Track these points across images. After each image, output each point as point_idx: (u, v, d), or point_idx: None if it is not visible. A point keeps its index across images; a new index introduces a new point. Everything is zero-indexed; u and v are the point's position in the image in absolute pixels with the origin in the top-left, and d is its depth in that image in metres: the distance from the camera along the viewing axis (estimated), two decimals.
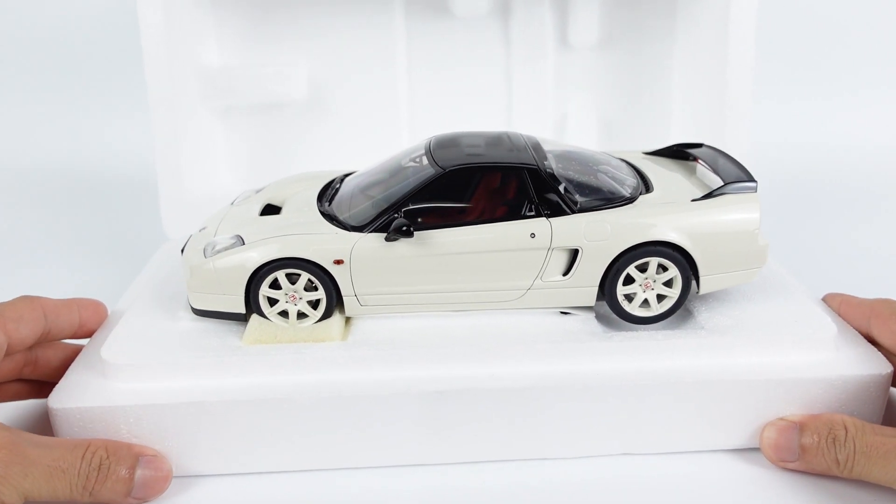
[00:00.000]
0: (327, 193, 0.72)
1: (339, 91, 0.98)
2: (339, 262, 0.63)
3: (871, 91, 1.36)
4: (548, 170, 0.65)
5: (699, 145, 0.77)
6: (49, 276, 1.01)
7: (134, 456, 0.57)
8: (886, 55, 1.37)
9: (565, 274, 0.65)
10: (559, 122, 0.99)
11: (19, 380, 0.67)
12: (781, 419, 0.61)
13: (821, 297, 0.73)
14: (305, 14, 0.95)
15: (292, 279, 0.64)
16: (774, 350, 0.63)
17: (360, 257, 0.63)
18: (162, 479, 0.58)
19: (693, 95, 0.94)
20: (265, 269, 0.63)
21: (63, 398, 0.59)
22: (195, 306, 0.66)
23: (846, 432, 0.57)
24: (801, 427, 0.59)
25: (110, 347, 0.62)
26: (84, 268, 1.02)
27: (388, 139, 0.99)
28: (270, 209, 0.72)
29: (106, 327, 0.69)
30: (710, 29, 0.90)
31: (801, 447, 0.58)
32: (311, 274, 0.63)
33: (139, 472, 0.57)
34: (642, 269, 0.65)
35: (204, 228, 0.71)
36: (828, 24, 1.36)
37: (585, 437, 0.62)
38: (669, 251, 0.64)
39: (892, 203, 1.20)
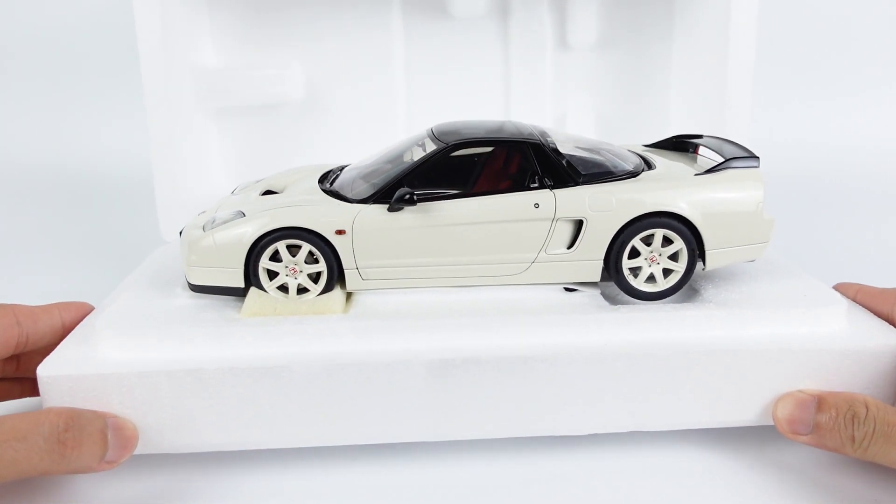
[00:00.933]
0: (328, 178, 0.72)
1: (336, 92, 0.98)
2: (340, 232, 0.62)
3: (872, 90, 1.37)
4: (551, 145, 0.65)
5: (699, 136, 0.77)
6: (44, 277, 1.00)
7: (100, 415, 0.55)
8: (887, 54, 1.38)
9: (570, 247, 0.64)
10: (558, 121, 0.99)
11: (3, 379, 0.65)
12: (800, 391, 0.59)
13: (831, 285, 0.72)
14: (302, 15, 0.95)
15: (293, 252, 0.63)
16: (785, 321, 0.62)
17: (362, 227, 0.62)
18: (131, 434, 0.56)
19: (691, 96, 0.95)
20: (266, 239, 0.62)
21: (53, 367, 0.57)
22: (193, 282, 0.64)
23: (867, 410, 0.55)
24: (819, 401, 0.57)
25: (104, 320, 0.61)
26: (79, 269, 1.01)
27: (385, 141, 0.98)
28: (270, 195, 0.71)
29: (98, 311, 0.68)
30: (708, 29, 0.90)
31: (816, 421, 0.57)
32: (313, 245, 0.62)
33: (109, 430, 0.55)
34: (647, 242, 0.64)
35: (203, 212, 0.70)
36: (828, 23, 1.37)
37: (594, 412, 0.60)
38: (674, 223, 0.63)
39: (893, 202, 1.20)
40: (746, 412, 0.61)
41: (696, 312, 0.61)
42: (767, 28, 1.00)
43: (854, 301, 0.68)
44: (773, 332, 0.61)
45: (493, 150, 0.65)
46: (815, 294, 0.65)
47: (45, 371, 0.57)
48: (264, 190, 0.72)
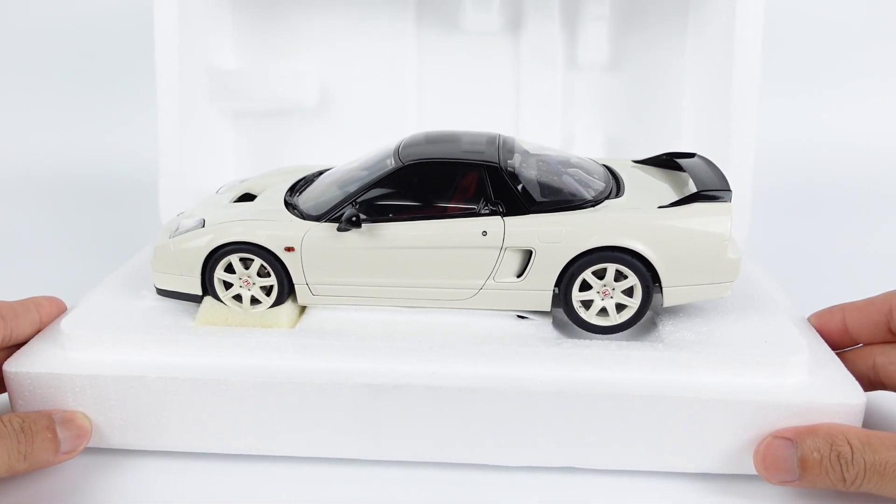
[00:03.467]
0: (299, 186, 0.73)
1: (350, 99, 1.00)
2: (290, 249, 0.63)
3: (876, 93, 1.31)
4: (509, 168, 0.64)
5: (691, 155, 0.73)
6: (47, 274, 1.01)
7: (46, 415, 0.59)
8: (890, 58, 1.31)
9: (519, 276, 0.63)
10: (567, 139, 0.98)
11: None
12: (774, 436, 0.55)
13: (808, 316, 0.68)
14: (319, 22, 0.98)
15: (247, 264, 0.65)
16: (736, 370, 0.58)
17: (310, 246, 0.63)
18: (80, 424, 0.60)
19: (701, 115, 0.91)
20: (220, 252, 0.64)
21: (19, 363, 0.62)
22: (158, 286, 0.67)
23: (851, 449, 0.52)
24: (797, 442, 0.54)
25: (70, 320, 0.64)
26: (83, 267, 1.02)
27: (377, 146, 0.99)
28: (247, 198, 0.73)
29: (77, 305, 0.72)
30: (717, 48, 0.87)
31: (800, 464, 0.53)
32: (264, 260, 0.64)
33: (58, 429, 0.58)
34: (600, 275, 0.62)
35: (181, 213, 0.73)
36: (834, 31, 1.32)
37: (527, 446, 0.59)
38: (628, 258, 0.61)
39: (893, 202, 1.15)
40: (692, 461, 0.58)
41: (641, 353, 0.59)
42: (774, 38, 0.96)
43: (843, 324, 0.64)
44: (720, 382, 0.58)
45: (448, 171, 0.64)
46: (777, 337, 0.61)
47: (11, 367, 0.61)
48: (243, 192, 0.74)
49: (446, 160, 0.64)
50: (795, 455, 0.53)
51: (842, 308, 0.65)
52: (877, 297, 0.63)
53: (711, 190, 0.63)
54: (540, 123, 0.97)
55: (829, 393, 0.57)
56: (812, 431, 0.54)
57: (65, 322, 0.64)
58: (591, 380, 0.58)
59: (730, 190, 0.63)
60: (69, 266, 1.03)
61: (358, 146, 1.00)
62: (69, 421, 0.60)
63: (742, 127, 0.84)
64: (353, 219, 0.62)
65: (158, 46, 0.89)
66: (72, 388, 0.60)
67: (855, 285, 0.74)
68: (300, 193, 0.71)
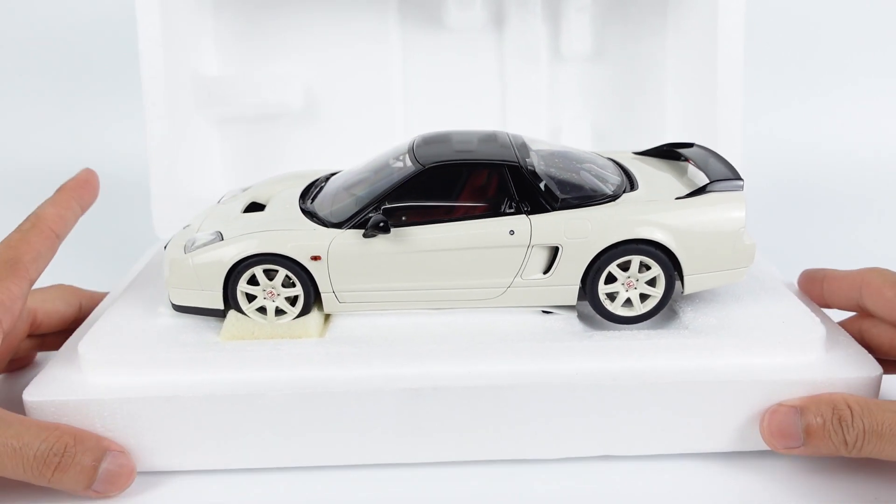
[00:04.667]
0: (311, 192, 0.72)
1: (335, 101, 0.99)
2: (316, 258, 0.63)
3: (864, 93, 1.36)
4: (529, 167, 0.65)
5: (690, 145, 0.76)
6: (40, 280, 1.00)
7: (102, 448, 0.56)
8: (879, 56, 1.37)
9: (546, 272, 0.64)
10: (554, 132, 0.99)
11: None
12: (780, 404, 0.58)
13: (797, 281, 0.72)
14: (302, 25, 0.96)
15: (270, 276, 0.64)
16: (760, 351, 0.61)
17: (337, 254, 0.63)
18: (126, 475, 0.57)
19: (685, 104, 0.94)
20: (242, 264, 0.63)
21: (38, 391, 0.59)
22: (175, 302, 0.66)
23: (851, 413, 0.55)
24: (801, 410, 0.57)
25: (87, 342, 0.62)
26: (75, 269, 0.99)
27: (382, 149, 0.99)
28: (255, 207, 0.72)
29: (86, 324, 0.69)
30: (700, 36, 0.89)
31: (805, 431, 0.56)
32: (289, 270, 0.63)
33: (103, 466, 0.56)
34: (624, 267, 0.64)
35: (188, 226, 0.71)
36: (818, 27, 1.36)
37: (565, 438, 0.61)
38: (651, 249, 0.63)
39: (886, 204, 1.19)
40: (721, 442, 0.61)
41: (670, 341, 0.61)
42: (757, 32, 0.99)
43: (822, 293, 0.69)
44: (746, 363, 0.60)
45: (471, 172, 0.65)
46: (794, 319, 0.64)
47: (31, 396, 0.59)
48: (249, 202, 0.73)
49: (468, 161, 0.65)
50: (800, 422, 0.56)
51: (823, 276, 0.69)
52: (854, 271, 0.67)
53: (724, 179, 0.65)
54: (527, 117, 0.98)
55: (846, 367, 0.60)
56: (815, 399, 0.57)
57: (83, 345, 0.62)
58: (625, 369, 0.60)
59: (741, 178, 0.66)
60: (60, 273, 1.00)
61: (346, 147, 1.00)
62: (117, 466, 0.57)
63: (728, 118, 0.87)
64: (381, 224, 0.61)
65: (143, 57, 0.87)
66: (100, 413, 0.58)
67: None
68: (313, 200, 0.70)
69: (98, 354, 0.61)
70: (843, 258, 1.00)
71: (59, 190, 0.68)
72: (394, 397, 0.59)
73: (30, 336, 0.71)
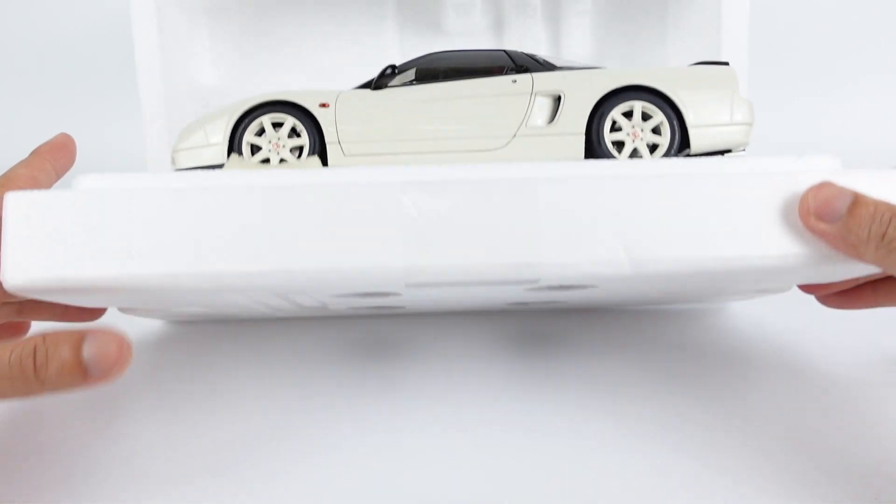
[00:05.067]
0: None
1: None
2: (324, 105, 0.64)
3: (864, 93, 1.38)
4: (526, 53, 0.68)
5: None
6: None
7: (76, 337, 0.49)
8: (879, 56, 1.40)
9: (550, 122, 0.65)
10: None
11: None
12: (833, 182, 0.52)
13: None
14: (299, 32, 1.01)
15: (276, 129, 0.64)
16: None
17: (345, 100, 0.64)
18: (116, 350, 0.48)
19: None
20: (251, 114, 0.64)
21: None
22: (179, 166, 0.65)
23: None
24: (857, 196, 0.51)
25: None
26: None
27: None
28: None
29: None
30: (701, 39, 0.94)
31: (851, 205, 0.51)
32: (297, 118, 0.64)
33: (88, 351, 0.48)
34: (628, 117, 0.65)
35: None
36: (818, 27, 1.40)
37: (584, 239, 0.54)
38: (652, 97, 0.64)
39: None
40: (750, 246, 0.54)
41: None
42: (760, 32, 1.03)
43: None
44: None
45: (471, 57, 0.68)
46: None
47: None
48: None
49: (469, 49, 0.69)
50: (848, 202, 0.52)
51: None
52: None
53: (712, 62, 0.69)
54: None
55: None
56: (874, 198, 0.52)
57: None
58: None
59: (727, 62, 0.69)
60: None
61: None
62: (102, 337, 0.48)
63: None
64: (389, 71, 0.63)
65: (140, 68, 0.88)
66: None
67: None
68: None
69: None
70: None
71: (33, 152, 0.64)
72: (407, 188, 0.53)
73: (6, 303, 0.62)
